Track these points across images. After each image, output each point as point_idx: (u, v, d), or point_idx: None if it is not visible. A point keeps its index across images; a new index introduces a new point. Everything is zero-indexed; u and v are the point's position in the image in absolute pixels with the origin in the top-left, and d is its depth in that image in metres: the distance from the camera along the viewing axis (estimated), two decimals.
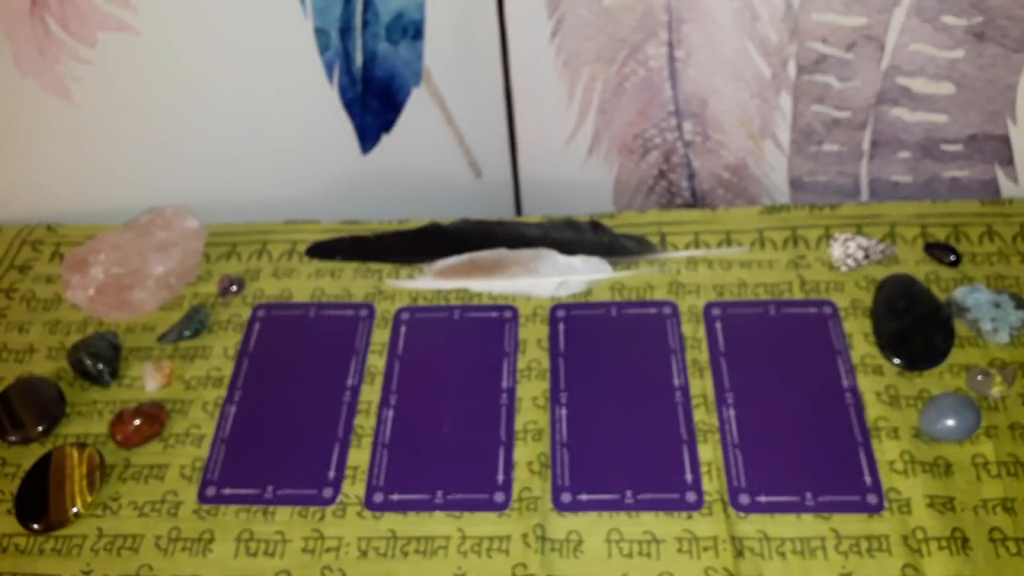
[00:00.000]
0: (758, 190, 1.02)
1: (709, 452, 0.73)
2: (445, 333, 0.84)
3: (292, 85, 0.96)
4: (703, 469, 0.72)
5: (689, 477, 0.72)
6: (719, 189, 1.03)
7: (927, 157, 0.96)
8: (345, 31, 0.93)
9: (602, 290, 0.86)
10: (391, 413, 0.78)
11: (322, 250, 0.92)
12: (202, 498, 0.73)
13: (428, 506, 0.71)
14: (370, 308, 0.87)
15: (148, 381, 0.81)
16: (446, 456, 0.75)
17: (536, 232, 0.91)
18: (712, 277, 0.86)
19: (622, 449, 0.74)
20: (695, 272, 0.87)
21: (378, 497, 0.72)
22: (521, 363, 0.81)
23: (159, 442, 0.77)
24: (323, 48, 0.94)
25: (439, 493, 0.72)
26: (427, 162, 1.04)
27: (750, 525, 0.69)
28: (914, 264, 0.86)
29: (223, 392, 0.81)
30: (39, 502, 0.73)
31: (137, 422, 0.76)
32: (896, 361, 0.78)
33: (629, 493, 0.71)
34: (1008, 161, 0.94)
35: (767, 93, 0.94)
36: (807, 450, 0.73)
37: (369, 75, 0.96)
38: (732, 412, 0.76)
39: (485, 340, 0.83)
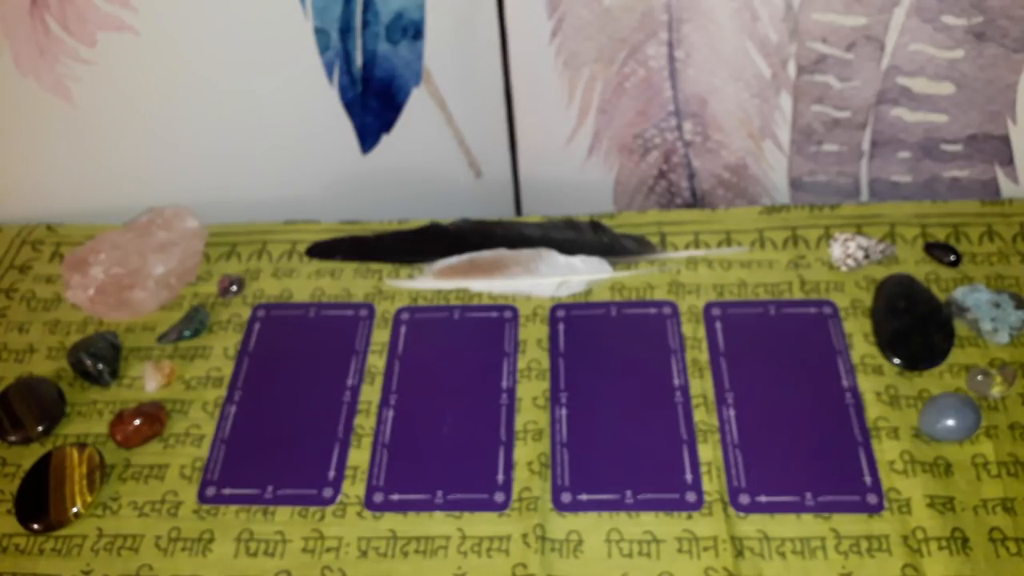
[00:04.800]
0: (758, 190, 1.02)
1: (709, 452, 0.73)
2: (445, 333, 0.84)
3: (292, 85, 0.96)
4: (703, 469, 0.72)
5: (689, 477, 0.72)
6: (719, 189, 1.03)
7: (927, 157, 0.96)
8: (345, 31, 0.93)
9: (602, 290, 0.86)
10: (391, 413, 0.78)
11: (322, 250, 0.92)
12: (202, 498, 0.73)
13: (428, 506, 0.71)
14: (370, 308, 0.87)
15: (148, 381, 0.81)
16: (446, 456, 0.75)
17: (536, 232, 0.91)
18: (712, 277, 0.86)
19: (622, 449, 0.74)
20: (695, 272, 0.87)
21: (378, 497, 0.72)
22: (521, 363, 0.81)
23: (159, 442, 0.77)
24: (323, 48, 0.94)
25: (439, 493, 0.72)
26: (427, 162, 1.04)
27: (750, 525, 0.69)
28: (914, 264, 0.86)
29: (223, 392, 0.81)
30: (39, 502, 0.72)
31: (137, 422, 0.76)
32: (896, 361, 0.78)
33: (629, 493, 0.71)
34: (1008, 161, 0.94)
35: (767, 93, 0.94)
36: (807, 450, 0.73)
37: (369, 75, 0.96)
38: (732, 412, 0.76)
39: (485, 340, 0.83)
